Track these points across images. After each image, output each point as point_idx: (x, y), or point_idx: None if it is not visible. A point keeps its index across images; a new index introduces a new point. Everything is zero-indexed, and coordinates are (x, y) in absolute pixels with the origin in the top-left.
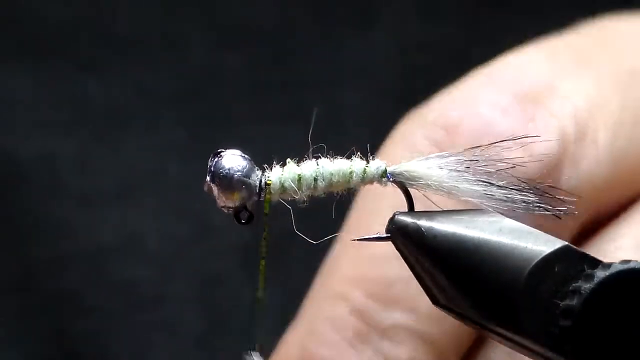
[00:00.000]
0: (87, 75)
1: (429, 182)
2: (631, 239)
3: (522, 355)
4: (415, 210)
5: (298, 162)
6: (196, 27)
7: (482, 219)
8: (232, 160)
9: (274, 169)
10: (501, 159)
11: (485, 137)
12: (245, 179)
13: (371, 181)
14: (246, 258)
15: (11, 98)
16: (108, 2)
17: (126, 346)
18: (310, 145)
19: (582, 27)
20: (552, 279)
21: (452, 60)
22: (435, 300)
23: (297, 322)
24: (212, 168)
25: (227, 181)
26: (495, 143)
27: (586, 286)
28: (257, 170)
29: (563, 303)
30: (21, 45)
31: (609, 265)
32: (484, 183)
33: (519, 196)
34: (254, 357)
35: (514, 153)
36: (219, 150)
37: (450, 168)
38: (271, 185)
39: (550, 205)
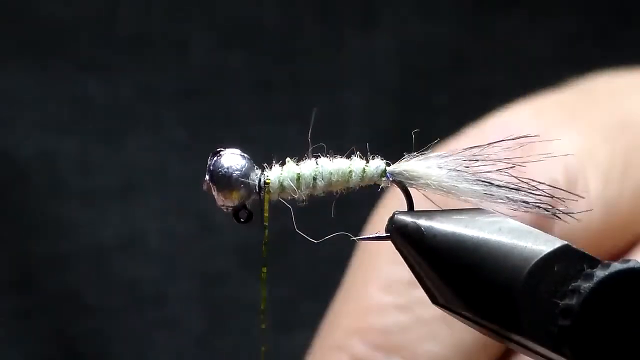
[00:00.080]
0: (87, 74)
1: (429, 182)
2: None
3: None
4: (415, 209)
5: (297, 162)
6: (197, 27)
7: (481, 219)
8: (231, 159)
9: (273, 168)
10: (501, 159)
11: None
12: (244, 178)
13: (371, 180)
14: (247, 257)
15: (12, 97)
16: (108, 2)
17: (127, 345)
18: (310, 145)
19: (571, 84)
20: (552, 279)
21: (452, 60)
22: (434, 300)
23: None
24: (211, 167)
25: (226, 180)
26: (494, 143)
27: (586, 285)
28: (257, 169)
29: (562, 302)
30: (21, 45)
31: (608, 264)
32: (484, 183)
33: (518, 196)
34: None
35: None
36: (218, 149)
37: (450, 167)
38: (270, 185)
39: (550, 206)
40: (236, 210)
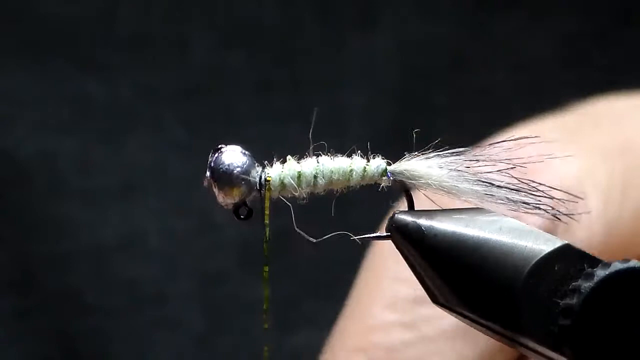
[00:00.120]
0: (87, 74)
1: (429, 181)
2: None
3: None
4: (415, 209)
5: (298, 160)
6: (197, 27)
7: (482, 218)
8: (232, 156)
9: (274, 165)
10: (501, 160)
11: None
12: (245, 175)
13: (371, 180)
14: (247, 256)
15: (12, 97)
16: (108, 2)
17: (127, 345)
18: (311, 143)
19: (572, 107)
20: (552, 278)
21: (452, 60)
22: (435, 299)
23: None
24: (212, 163)
25: (226, 177)
26: (495, 143)
27: (586, 285)
28: (257, 166)
29: (563, 302)
30: (21, 44)
31: (608, 264)
32: (484, 183)
33: (518, 197)
34: None
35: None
36: (219, 146)
37: (451, 167)
38: (271, 182)
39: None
40: (236, 207)
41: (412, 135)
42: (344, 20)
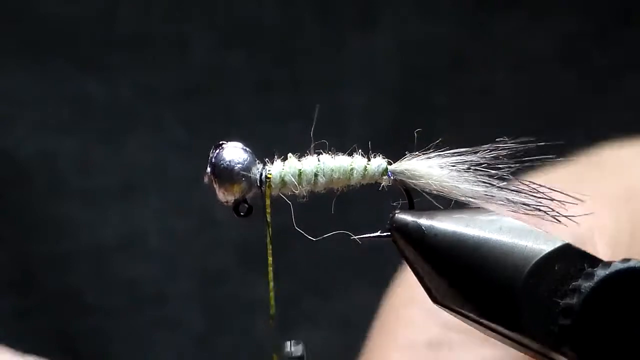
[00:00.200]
0: (87, 74)
1: (430, 181)
2: None
3: None
4: (416, 208)
5: (299, 158)
6: (197, 27)
7: (482, 218)
8: (233, 152)
9: (275, 163)
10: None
11: None
12: (245, 171)
13: (372, 179)
14: (248, 256)
15: (12, 97)
16: (108, 2)
17: (127, 345)
18: (312, 141)
19: (577, 157)
20: (552, 278)
21: (452, 60)
22: (435, 299)
23: None
24: (213, 160)
25: (227, 173)
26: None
27: (586, 285)
28: (258, 163)
29: (563, 302)
30: (21, 44)
31: (609, 264)
32: (485, 184)
33: (519, 198)
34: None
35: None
36: (220, 142)
37: (451, 168)
38: (272, 179)
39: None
40: (236, 204)
41: (415, 135)
42: (344, 20)
